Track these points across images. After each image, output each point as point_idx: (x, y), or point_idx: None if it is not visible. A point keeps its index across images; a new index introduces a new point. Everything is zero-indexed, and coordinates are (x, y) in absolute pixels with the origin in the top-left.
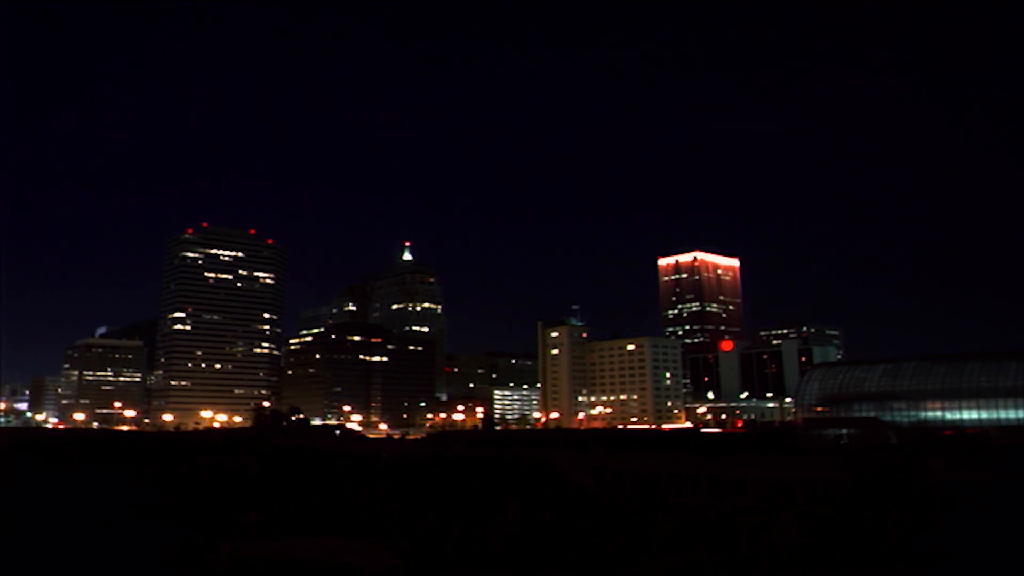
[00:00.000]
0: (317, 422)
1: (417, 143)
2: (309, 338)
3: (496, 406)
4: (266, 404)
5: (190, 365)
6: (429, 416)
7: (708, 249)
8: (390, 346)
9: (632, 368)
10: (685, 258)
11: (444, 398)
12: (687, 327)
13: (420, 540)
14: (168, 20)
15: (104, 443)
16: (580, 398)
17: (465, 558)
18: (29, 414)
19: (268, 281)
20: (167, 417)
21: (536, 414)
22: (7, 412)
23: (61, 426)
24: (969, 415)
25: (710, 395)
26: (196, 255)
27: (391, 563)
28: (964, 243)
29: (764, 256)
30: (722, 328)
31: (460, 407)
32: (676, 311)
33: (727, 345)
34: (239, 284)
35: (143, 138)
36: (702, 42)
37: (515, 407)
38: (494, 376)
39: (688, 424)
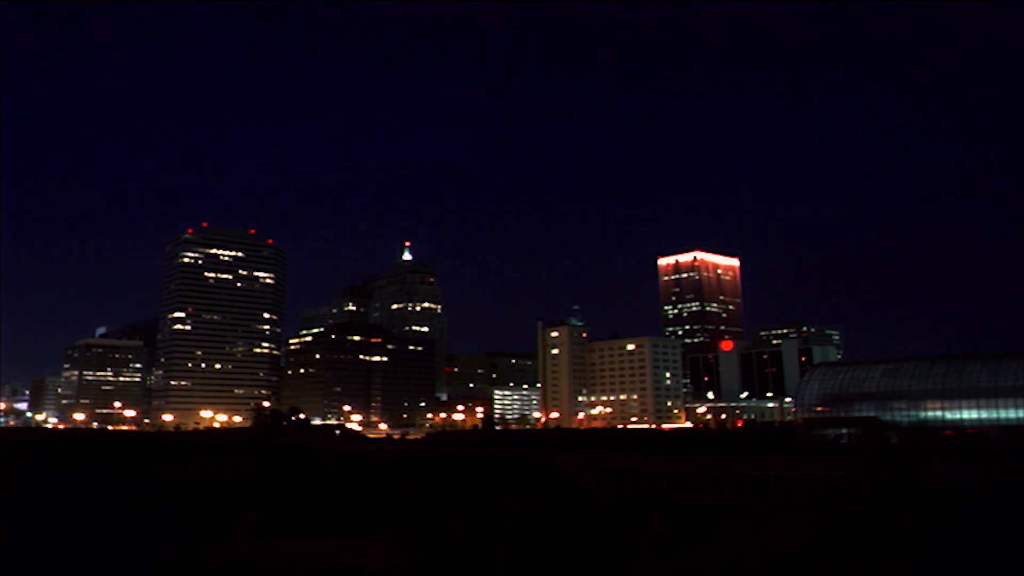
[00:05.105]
0: (317, 422)
1: (417, 143)
2: (309, 338)
3: (496, 406)
4: (266, 404)
5: (190, 365)
6: (429, 416)
7: (708, 249)
8: (390, 346)
9: (632, 368)
10: (685, 258)
11: (444, 398)
12: (687, 327)
13: (420, 540)
14: (170, 21)
15: (104, 443)
16: (580, 398)
17: (465, 558)
18: (29, 414)
19: (268, 281)
20: (167, 417)
21: (536, 414)
22: (7, 412)
23: (61, 426)
24: (969, 415)
25: (710, 395)
26: (196, 255)
27: (391, 563)
28: (964, 243)
29: (764, 256)
30: (722, 328)
31: (460, 407)
32: (676, 311)
33: (727, 345)
34: (239, 284)
35: (144, 138)
36: (703, 43)
37: (515, 407)
38: (494, 376)
39: (688, 424)
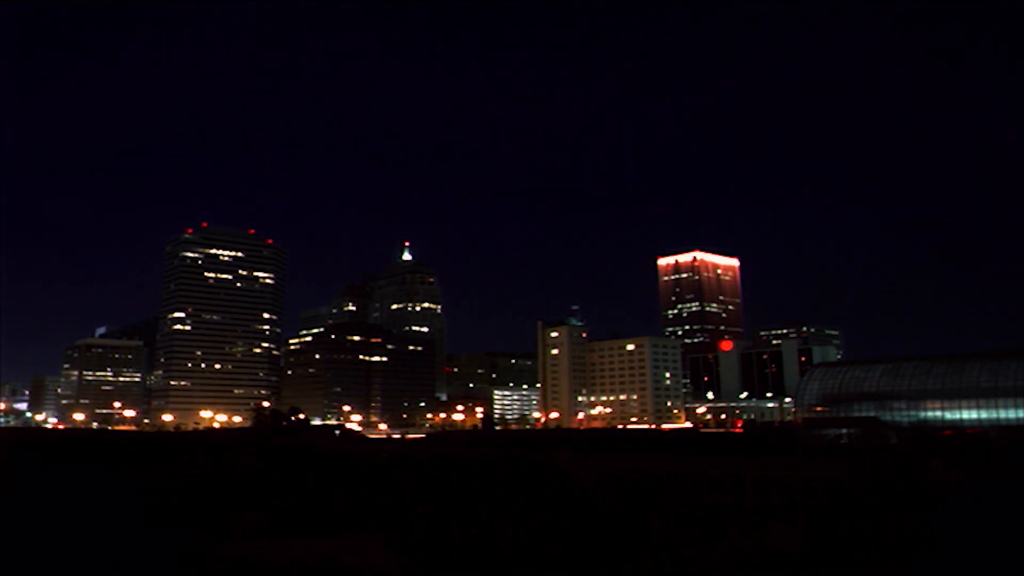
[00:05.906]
0: (317, 422)
1: (417, 143)
2: (309, 338)
3: (496, 406)
4: (266, 404)
5: (190, 365)
6: (429, 416)
7: (708, 249)
8: (390, 346)
9: (632, 368)
10: (685, 258)
11: (444, 398)
12: (687, 327)
13: (420, 540)
14: (169, 18)
15: (104, 443)
16: (580, 398)
17: (465, 558)
18: (29, 414)
19: (268, 281)
20: (167, 417)
21: (536, 414)
22: (7, 412)
23: (61, 426)
24: (969, 415)
25: (710, 395)
26: (196, 255)
27: (391, 563)
28: (964, 243)
29: (764, 256)
30: (722, 328)
31: (460, 407)
32: (676, 311)
33: (727, 345)
34: (239, 284)
35: (143, 137)
36: (702, 42)
37: (515, 407)
38: (494, 376)
39: (688, 424)
